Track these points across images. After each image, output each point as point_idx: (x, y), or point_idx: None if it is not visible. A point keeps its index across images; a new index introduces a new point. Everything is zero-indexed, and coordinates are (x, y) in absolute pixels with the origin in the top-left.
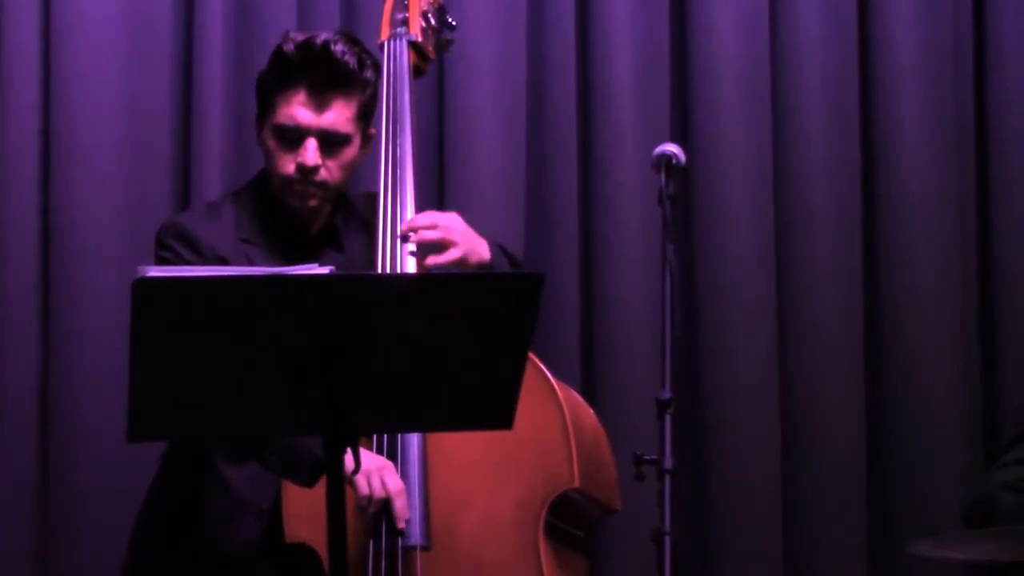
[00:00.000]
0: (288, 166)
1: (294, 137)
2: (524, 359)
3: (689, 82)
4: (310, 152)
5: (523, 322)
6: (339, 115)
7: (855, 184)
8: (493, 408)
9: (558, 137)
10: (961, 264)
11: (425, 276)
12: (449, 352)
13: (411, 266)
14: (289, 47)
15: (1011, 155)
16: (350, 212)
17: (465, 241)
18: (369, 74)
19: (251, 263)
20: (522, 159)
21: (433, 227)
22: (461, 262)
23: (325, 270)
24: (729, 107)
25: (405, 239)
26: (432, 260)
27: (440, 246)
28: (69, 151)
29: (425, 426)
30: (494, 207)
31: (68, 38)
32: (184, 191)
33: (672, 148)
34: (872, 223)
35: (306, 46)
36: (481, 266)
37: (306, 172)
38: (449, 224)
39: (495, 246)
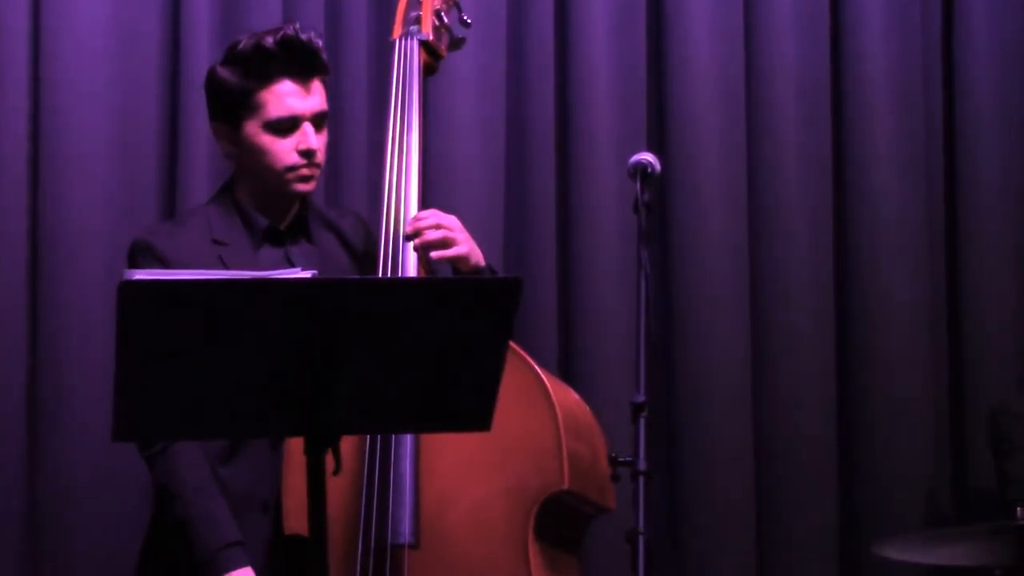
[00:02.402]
0: (290, 156)
1: (289, 127)
2: (502, 362)
3: (665, 92)
4: (311, 136)
5: (501, 326)
6: (321, 96)
7: (827, 192)
8: (472, 410)
9: (536, 145)
10: (929, 269)
11: (406, 280)
12: (429, 355)
13: (413, 263)
14: (268, 42)
15: (978, 162)
16: (313, 211)
17: (467, 240)
18: (326, 55)
19: (224, 264)
20: (501, 167)
21: (437, 227)
22: (464, 259)
23: (307, 274)
24: (705, 117)
25: (410, 238)
26: (437, 254)
27: (444, 243)
28: (58, 155)
29: (405, 427)
30: (474, 213)
31: (57, 44)
32: (171, 195)
33: (648, 157)
34: (844, 230)
35: (285, 39)
36: (478, 268)
37: (311, 155)
38: (451, 224)
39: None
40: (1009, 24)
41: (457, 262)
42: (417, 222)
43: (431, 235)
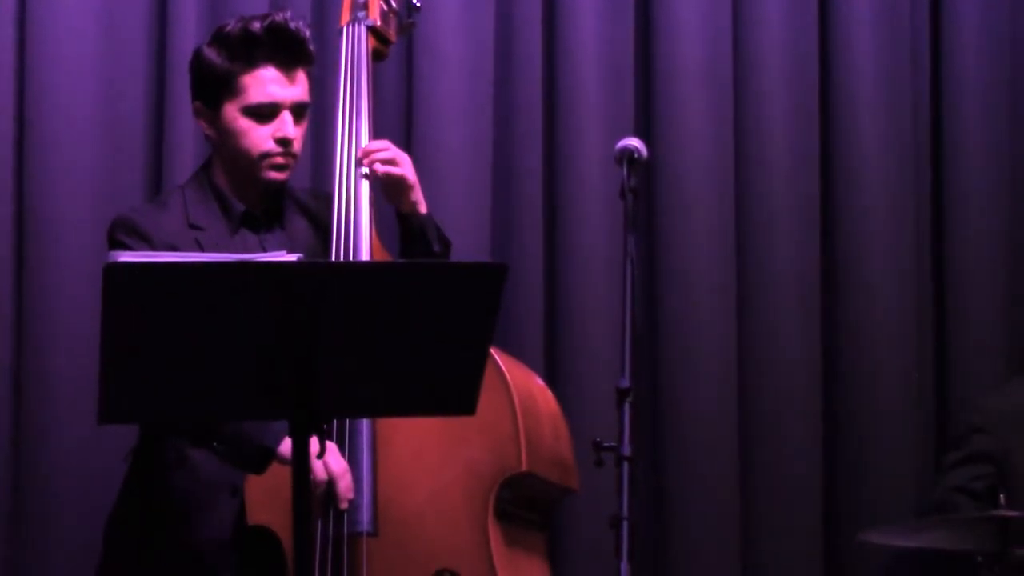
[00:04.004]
0: (266, 142)
1: (269, 113)
2: (487, 347)
3: (653, 77)
4: (289, 125)
5: (486, 311)
6: (303, 86)
7: (815, 179)
8: (456, 394)
9: (523, 130)
10: (915, 262)
11: (391, 264)
12: (413, 339)
13: (366, 249)
14: (255, 27)
15: (965, 154)
16: (289, 196)
17: (413, 175)
18: (314, 47)
19: (200, 247)
20: (487, 151)
21: (386, 149)
22: (410, 188)
23: (293, 257)
24: (692, 102)
25: (360, 163)
26: (384, 169)
27: (392, 163)
28: (44, 138)
29: (389, 411)
30: (460, 198)
31: (43, 27)
32: (156, 178)
33: (634, 142)
34: (830, 218)
35: (273, 26)
36: (416, 206)
37: (287, 144)
38: (404, 156)
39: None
40: (996, 12)
41: (402, 190)
42: (367, 147)
43: (380, 155)
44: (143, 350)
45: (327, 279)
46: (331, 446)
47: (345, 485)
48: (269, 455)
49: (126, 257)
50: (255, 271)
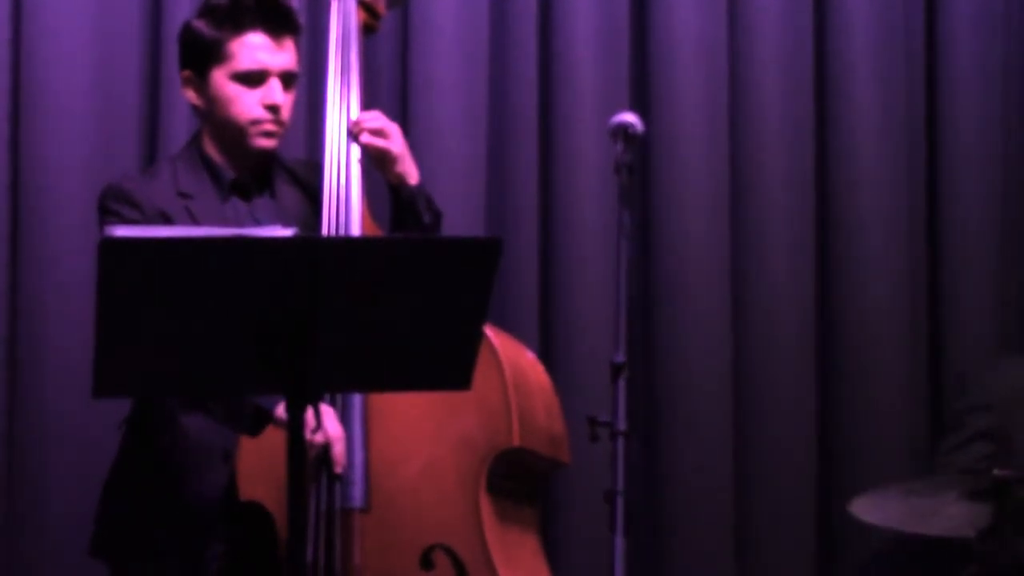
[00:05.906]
0: (254, 109)
1: (257, 80)
2: (482, 321)
3: (648, 51)
4: (277, 91)
5: (481, 285)
6: (292, 55)
7: (810, 153)
8: (451, 369)
9: (518, 105)
10: (909, 235)
11: (387, 239)
12: (409, 314)
13: (357, 223)
14: None
15: (959, 131)
16: (280, 166)
17: (403, 148)
18: (302, 19)
19: (191, 215)
20: (483, 126)
21: (376, 119)
22: (396, 159)
23: (289, 232)
24: (688, 76)
25: (351, 133)
26: (366, 140)
27: (379, 133)
28: (38, 112)
29: (384, 386)
30: (455, 173)
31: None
32: (151, 146)
33: (629, 117)
34: (825, 194)
35: None
36: (404, 178)
37: (276, 111)
38: (393, 126)
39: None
40: None
41: (387, 161)
42: (358, 119)
43: (368, 125)
44: (138, 324)
45: (323, 254)
46: (328, 410)
47: (340, 450)
48: (266, 415)
49: (122, 231)
50: (251, 246)
